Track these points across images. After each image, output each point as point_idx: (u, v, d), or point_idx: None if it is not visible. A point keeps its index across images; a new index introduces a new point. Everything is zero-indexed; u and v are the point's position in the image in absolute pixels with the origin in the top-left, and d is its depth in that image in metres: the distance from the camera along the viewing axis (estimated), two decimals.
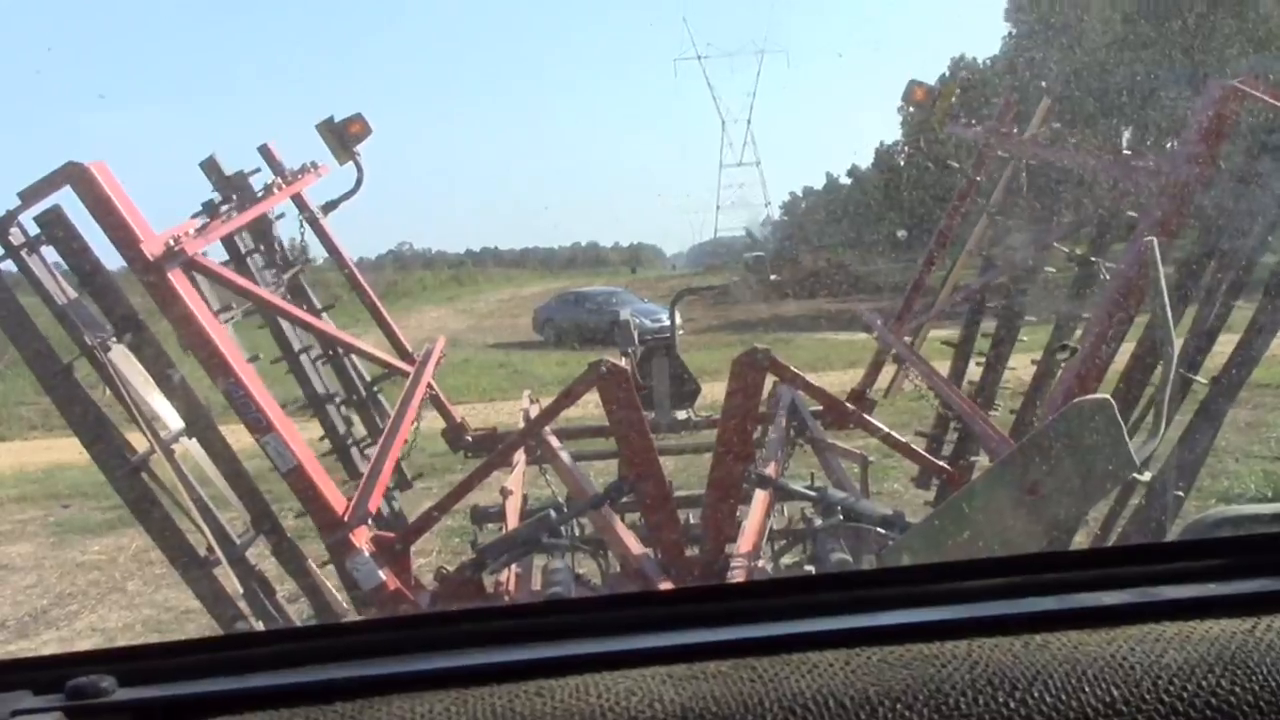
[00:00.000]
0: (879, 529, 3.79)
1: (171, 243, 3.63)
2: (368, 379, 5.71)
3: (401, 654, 0.97)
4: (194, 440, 3.92)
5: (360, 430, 5.71)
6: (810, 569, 3.03)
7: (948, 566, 1.21)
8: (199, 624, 4.21)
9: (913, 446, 4.62)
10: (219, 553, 3.78)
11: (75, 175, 3.47)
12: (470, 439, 5.93)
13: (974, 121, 6.11)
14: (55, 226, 3.66)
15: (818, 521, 4.04)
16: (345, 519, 3.66)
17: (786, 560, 4.49)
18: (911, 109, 6.47)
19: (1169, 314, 1.96)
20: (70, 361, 3.71)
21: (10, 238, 3.66)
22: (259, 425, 3.60)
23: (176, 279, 3.60)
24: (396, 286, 51.82)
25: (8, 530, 9.30)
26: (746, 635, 0.95)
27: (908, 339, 6.15)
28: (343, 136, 5.32)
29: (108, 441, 3.75)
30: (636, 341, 6.19)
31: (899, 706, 0.83)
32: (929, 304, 6.37)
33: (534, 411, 5.71)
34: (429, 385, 5.30)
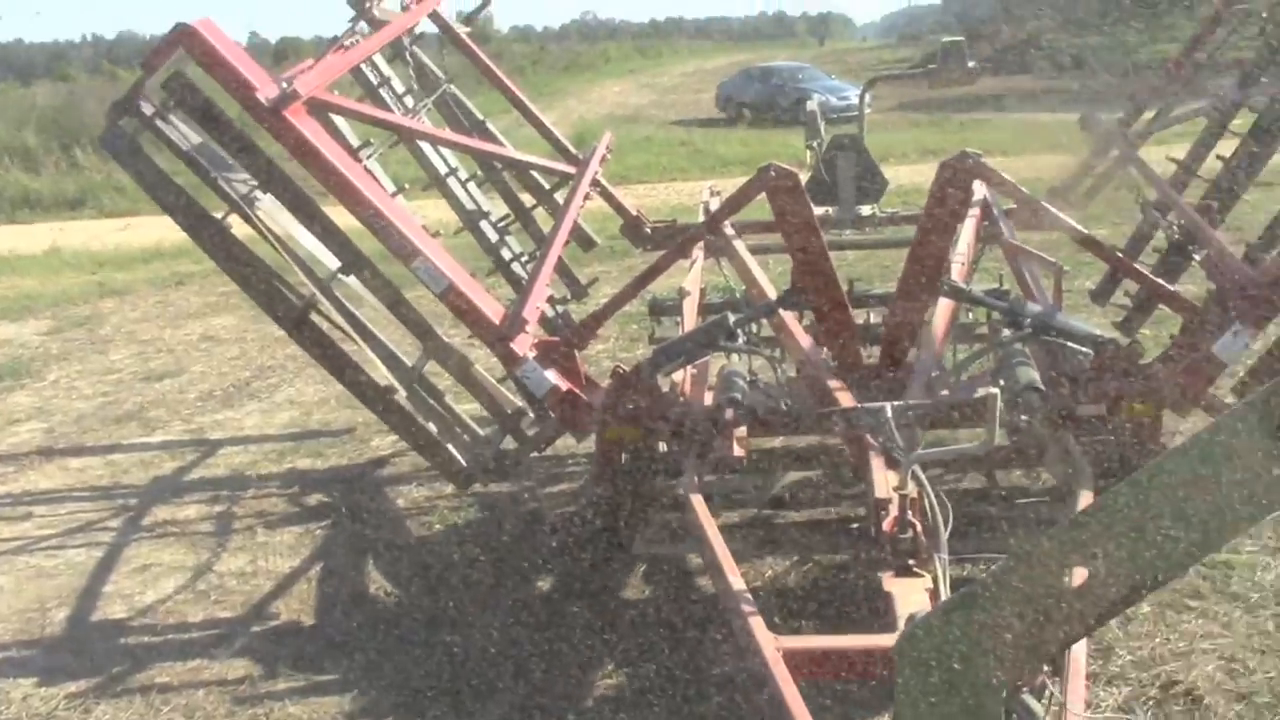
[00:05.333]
0: (1072, 345, 3.57)
1: (285, 85, 3.57)
2: (546, 186, 5.58)
3: None
4: (351, 277, 3.98)
5: (528, 245, 5.64)
6: (994, 390, 2.87)
7: None
8: None
9: (1132, 263, 4.29)
10: (395, 383, 3.87)
11: (184, 38, 3.38)
12: (649, 231, 5.84)
13: None
14: (181, 91, 3.62)
15: (1005, 332, 3.84)
16: (503, 329, 3.66)
17: (970, 372, 4.31)
18: None
19: None
20: (224, 216, 3.74)
21: (143, 108, 3.63)
22: (404, 251, 3.57)
23: (299, 119, 3.54)
24: (580, 59, 51.73)
25: (214, 302, 9.87)
26: None
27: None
28: None
29: (274, 294, 3.81)
30: (823, 133, 5.89)
31: None
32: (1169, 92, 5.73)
33: (714, 205, 5.58)
34: (595, 183, 5.18)
